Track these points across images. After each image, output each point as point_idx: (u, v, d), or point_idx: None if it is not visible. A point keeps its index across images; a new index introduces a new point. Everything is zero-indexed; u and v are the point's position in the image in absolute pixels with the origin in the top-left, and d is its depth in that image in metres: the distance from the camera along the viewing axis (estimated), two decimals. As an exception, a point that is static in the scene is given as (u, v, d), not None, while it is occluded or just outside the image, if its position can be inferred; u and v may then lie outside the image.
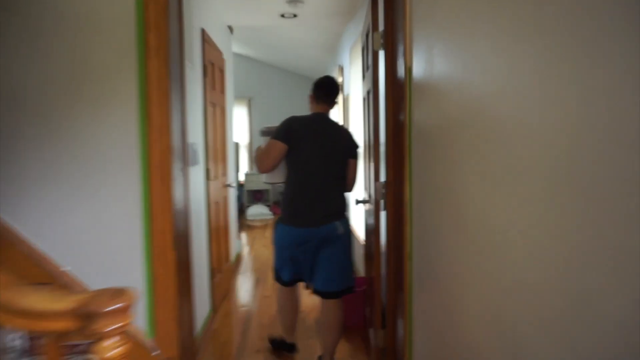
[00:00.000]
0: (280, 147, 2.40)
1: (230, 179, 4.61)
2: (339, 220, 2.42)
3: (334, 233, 2.39)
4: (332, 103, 2.59)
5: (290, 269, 2.50)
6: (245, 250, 5.87)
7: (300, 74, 8.89)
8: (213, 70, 3.63)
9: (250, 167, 9.07)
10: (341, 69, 5.27)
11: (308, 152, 2.39)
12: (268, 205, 8.62)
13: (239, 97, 8.88)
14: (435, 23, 1.35)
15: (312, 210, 2.37)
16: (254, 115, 8.99)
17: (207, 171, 3.37)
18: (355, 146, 2.55)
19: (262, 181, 6.55)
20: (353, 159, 2.54)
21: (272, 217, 7.92)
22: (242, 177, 8.85)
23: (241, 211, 8.28)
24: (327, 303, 2.47)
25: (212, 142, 3.54)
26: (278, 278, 2.60)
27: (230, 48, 4.91)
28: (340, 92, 3.00)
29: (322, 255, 2.40)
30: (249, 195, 8.86)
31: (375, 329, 2.38)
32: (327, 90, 2.57)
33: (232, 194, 4.82)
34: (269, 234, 6.69)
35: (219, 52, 3.93)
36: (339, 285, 2.45)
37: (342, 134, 2.54)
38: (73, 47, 1.92)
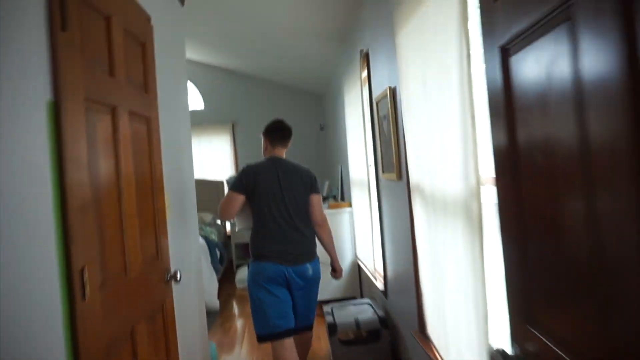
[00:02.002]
0: (238, 198, 2.50)
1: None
2: (310, 261, 2.54)
3: (306, 273, 2.50)
4: (287, 145, 2.86)
5: (288, 308, 2.49)
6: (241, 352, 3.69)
7: (297, 86, 6.90)
8: (108, 30, 1.56)
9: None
10: (366, 57, 3.24)
11: (269, 197, 2.50)
12: (265, 262, 6.45)
13: (219, 123, 6.84)
14: None
15: (282, 250, 2.46)
16: (240, 143, 6.93)
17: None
18: (316, 181, 2.68)
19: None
20: (316, 195, 2.63)
21: (270, 281, 5.76)
22: (228, 227, 6.73)
23: (227, 275, 6.10)
24: (306, 336, 2.66)
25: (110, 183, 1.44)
26: (272, 333, 2.44)
27: (179, 23, 2.87)
28: (291, 134, 2.96)
29: (296, 293, 2.51)
30: (238, 251, 6.70)
31: None
32: (282, 133, 2.88)
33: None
34: (267, 313, 4.57)
35: (135, 9, 1.89)
36: (312, 319, 2.66)
37: (301, 172, 2.67)
38: None
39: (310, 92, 7.00)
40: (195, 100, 6.95)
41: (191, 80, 6.87)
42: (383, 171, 2.94)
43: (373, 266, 3.45)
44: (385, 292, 3.22)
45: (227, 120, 6.87)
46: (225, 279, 5.86)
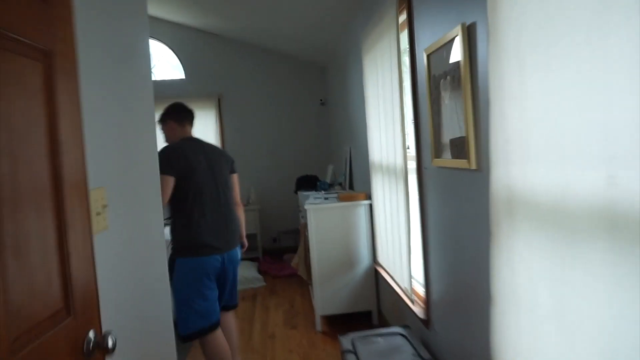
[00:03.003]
0: (170, 180, 2.29)
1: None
2: (239, 245, 2.58)
3: (237, 258, 2.53)
4: (192, 125, 2.65)
5: (215, 301, 2.43)
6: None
7: (295, 55, 5.91)
8: None
9: (226, 200, 6.01)
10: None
11: (203, 181, 2.36)
12: (256, 260, 5.55)
13: (202, 96, 5.84)
14: None
15: (217, 237, 2.37)
16: (227, 120, 5.95)
17: None
18: (233, 161, 2.65)
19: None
20: (235, 174, 2.61)
21: (263, 283, 4.86)
22: (213, 217, 5.78)
23: (213, 274, 5.18)
24: (230, 314, 2.64)
25: None
26: (203, 328, 2.36)
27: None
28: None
29: (227, 276, 2.48)
30: (225, 244, 5.78)
31: None
32: (191, 113, 2.68)
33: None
34: (274, 318, 3.69)
35: None
36: (237, 296, 2.68)
37: (222, 152, 2.62)
38: None
39: (310, 63, 6.02)
40: (172, 69, 5.92)
41: (168, 45, 5.83)
42: (435, 155, 2.04)
43: (406, 282, 2.56)
44: (426, 322, 2.34)
45: (213, 93, 5.87)
46: (210, 280, 4.95)
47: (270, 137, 6.00)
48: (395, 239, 2.74)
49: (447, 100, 1.84)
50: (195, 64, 5.88)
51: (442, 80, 1.88)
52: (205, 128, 5.88)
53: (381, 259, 3.25)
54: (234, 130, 5.94)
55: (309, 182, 5.01)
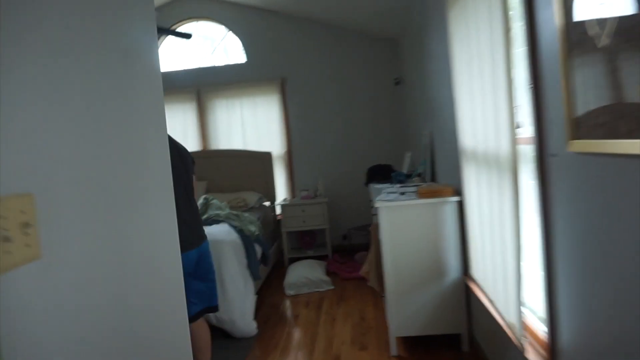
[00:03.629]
0: None
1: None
2: (206, 239, 2.50)
3: (208, 251, 2.47)
4: None
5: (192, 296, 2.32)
6: None
7: (363, 29, 5.23)
8: None
9: (291, 192, 5.52)
10: None
11: (177, 176, 1.96)
12: (324, 260, 5.01)
13: (265, 80, 5.37)
14: None
15: (190, 233, 2.34)
16: (292, 104, 5.43)
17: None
18: (194, 162, 2.54)
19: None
20: (194, 175, 2.53)
21: (331, 287, 4.30)
22: (278, 210, 5.37)
23: (271, 279, 4.73)
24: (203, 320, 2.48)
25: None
26: None
27: None
28: None
29: (202, 273, 2.42)
30: (291, 242, 5.31)
31: None
32: None
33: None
34: (344, 330, 3.14)
35: None
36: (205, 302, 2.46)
37: (184, 150, 2.47)
38: None
39: (381, 37, 5.31)
40: (235, 52, 5.50)
41: (228, 27, 5.40)
42: (572, 135, 1.31)
43: (513, 314, 1.85)
44: (550, 376, 1.63)
45: (276, 76, 5.37)
46: (269, 286, 4.49)
47: (339, 123, 5.40)
48: (497, 251, 2.02)
49: (608, 53, 1.11)
50: (257, 46, 5.41)
51: (593, 25, 1.15)
52: (268, 114, 5.42)
53: (475, 272, 2.54)
54: (299, 116, 5.42)
55: (382, 173, 4.35)
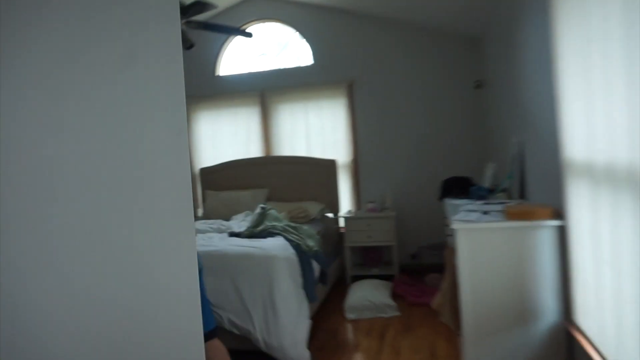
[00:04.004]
0: None
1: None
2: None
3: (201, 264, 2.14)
4: None
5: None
6: None
7: (439, 27, 4.72)
8: None
9: (356, 204, 5.11)
10: None
11: None
12: (389, 280, 4.52)
13: (331, 83, 5.04)
14: None
15: None
16: (360, 109, 5.04)
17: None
18: None
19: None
20: None
21: (397, 313, 3.83)
22: (342, 222, 4.98)
23: (331, 300, 4.32)
24: (215, 343, 2.09)
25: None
26: None
27: None
28: None
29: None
30: (354, 258, 4.89)
31: None
32: None
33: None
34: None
35: None
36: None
37: None
38: None
39: (460, 35, 4.77)
40: (301, 55, 5.23)
41: (295, 27, 5.14)
42: None
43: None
44: None
45: (343, 79, 5.02)
46: (327, 307, 4.10)
47: (411, 130, 4.92)
48: (626, 300, 1.48)
49: None
50: (324, 48, 5.10)
51: None
52: (333, 120, 5.07)
53: (583, 320, 1.98)
54: (367, 122, 5.01)
55: (459, 187, 3.82)
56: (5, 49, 0.57)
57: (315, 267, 3.54)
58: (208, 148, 5.43)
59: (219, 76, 5.38)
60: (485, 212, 2.50)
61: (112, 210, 0.74)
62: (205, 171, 5.33)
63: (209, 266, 3.16)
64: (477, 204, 2.88)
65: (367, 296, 3.89)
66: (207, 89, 5.37)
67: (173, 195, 0.99)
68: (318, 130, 5.11)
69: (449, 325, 2.73)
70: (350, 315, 3.79)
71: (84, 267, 0.68)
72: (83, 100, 0.71)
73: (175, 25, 1.02)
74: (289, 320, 3.00)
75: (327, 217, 4.83)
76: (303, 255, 3.38)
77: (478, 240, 2.31)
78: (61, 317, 0.63)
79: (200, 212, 5.23)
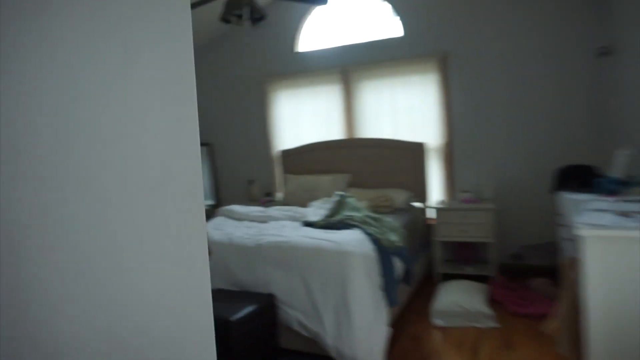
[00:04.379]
0: None
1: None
2: None
3: None
4: None
5: None
6: None
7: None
8: None
9: (449, 193, 4.53)
10: None
11: None
12: (485, 282, 3.92)
13: (421, 56, 4.49)
14: None
15: None
16: (455, 85, 4.42)
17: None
18: None
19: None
20: None
21: (494, 324, 3.26)
22: (432, 212, 4.47)
23: (416, 301, 3.84)
24: None
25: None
26: None
27: None
28: None
29: None
30: (446, 254, 4.35)
31: None
32: None
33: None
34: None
35: None
36: None
37: None
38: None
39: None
40: (389, 25, 4.71)
41: (384, -7, 4.62)
42: None
43: None
44: None
45: (436, 51, 4.42)
46: (411, 308, 3.64)
47: (516, 108, 4.20)
48: None
49: None
50: (415, 16, 4.52)
51: None
52: (423, 97, 4.51)
53: None
54: (464, 100, 4.38)
55: (578, 177, 3.11)
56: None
57: (398, 265, 3.10)
58: (288, 129, 5.16)
59: (298, 52, 5.06)
60: (624, 214, 1.88)
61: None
62: (286, 154, 5.08)
63: (278, 258, 2.87)
64: (608, 202, 2.23)
65: (459, 300, 3.36)
66: (286, 66, 5.08)
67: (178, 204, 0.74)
68: (406, 110, 4.58)
69: (565, 355, 2.15)
70: (437, 321, 3.31)
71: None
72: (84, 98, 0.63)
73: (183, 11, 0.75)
74: (364, 326, 2.62)
75: (414, 206, 4.33)
76: (383, 251, 2.96)
77: (615, 252, 1.72)
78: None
79: (279, 197, 5.01)
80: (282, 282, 2.82)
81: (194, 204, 0.82)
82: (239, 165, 5.55)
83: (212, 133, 5.71)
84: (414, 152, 4.44)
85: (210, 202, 5.66)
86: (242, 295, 2.80)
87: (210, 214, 4.39)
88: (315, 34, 5.03)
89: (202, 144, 6.04)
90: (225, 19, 3.27)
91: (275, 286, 2.83)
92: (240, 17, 3.32)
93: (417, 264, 3.80)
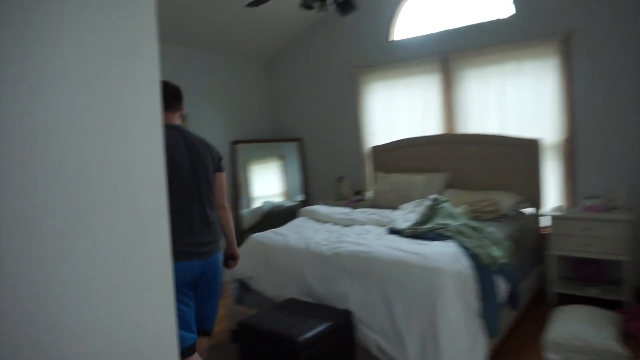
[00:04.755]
0: None
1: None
2: (220, 250, 2.19)
3: (218, 266, 2.15)
4: (177, 109, 2.19)
5: (192, 320, 2.01)
6: None
7: None
8: None
9: (569, 199, 3.81)
10: None
11: (181, 175, 2.02)
12: (616, 310, 3.19)
13: (540, 37, 3.84)
14: None
15: (196, 240, 2.04)
16: (580, 72, 3.68)
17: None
18: (220, 157, 2.25)
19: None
20: (223, 173, 2.26)
21: (627, 365, 2.61)
22: (547, 220, 3.81)
23: (532, 313, 3.24)
24: (201, 342, 2.12)
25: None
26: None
27: None
28: (180, 94, 2.18)
29: (204, 290, 2.10)
30: (561, 269, 3.65)
31: None
32: (164, 95, 1.41)
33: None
34: None
35: None
36: (202, 324, 2.14)
37: (208, 145, 2.20)
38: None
39: None
40: (498, 3, 4.09)
41: (492, -34, 4.01)
42: None
43: None
44: None
45: (555, 31, 3.72)
46: (517, 334, 3.06)
47: (665, 95, 3.36)
48: None
49: None
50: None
51: None
52: (538, 86, 3.83)
53: None
54: (591, 88, 3.63)
55: None
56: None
57: (501, 286, 2.59)
58: (381, 123, 4.78)
59: (393, 41, 4.64)
60: None
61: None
62: (377, 150, 4.71)
63: (356, 270, 2.54)
64: None
65: (581, 332, 2.74)
66: (380, 56, 4.70)
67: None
68: (517, 101, 3.94)
69: None
70: (551, 357, 2.72)
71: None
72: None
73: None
74: (456, 359, 2.18)
75: (523, 213, 3.71)
76: (483, 269, 2.48)
77: None
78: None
79: (369, 196, 4.66)
80: (361, 297, 2.49)
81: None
82: (329, 161, 5.31)
83: (302, 128, 5.54)
84: (526, 149, 3.80)
85: (299, 198, 5.51)
86: (315, 309, 2.52)
87: (296, 212, 4.20)
88: (412, 20, 4.57)
89: (292, 139, 5.95)
90: (306, 5, 3.00)
91: (352, 301, 2.51)
92: (323, 2, 3.04)
93: (525, 281, 3.21)
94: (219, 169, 2.22)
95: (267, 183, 5.47)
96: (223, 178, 2.24)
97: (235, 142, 5.25)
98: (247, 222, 5.24)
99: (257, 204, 5.35)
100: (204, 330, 2.15)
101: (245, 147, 5.31)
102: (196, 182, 2.06)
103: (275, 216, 5.19)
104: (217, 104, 5.14)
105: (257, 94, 5.65)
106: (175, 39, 4.58)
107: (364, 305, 2.47)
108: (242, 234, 5.07)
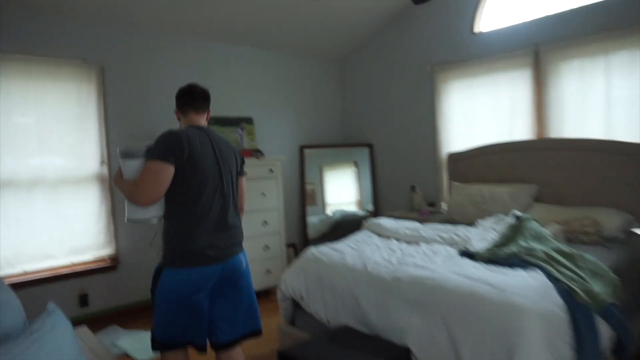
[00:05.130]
0: (169, 170, 1.87)
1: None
2: (242, 251, 2.14)
3: (240, 267, 2.08)
4: (204, 111, 2.16)
5: (190, 324, 1.96)
6: None
7: None
8: None
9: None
10: None
11: (206, 175, 1.97)
12: None
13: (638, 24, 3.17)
14: None
15: (216, 243, 1.98)
16: None
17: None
18: (244, 161, 2.24)
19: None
20: (243, 177, 2.23)
21: None
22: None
23: None
24: (234, 354, 2.08)
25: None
26: (164, 344, 1.96)
27: None
28: (208, 97, 2.18)
29: (224, 296, 2.03)
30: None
31: None
32: (191, 97, 2.13)
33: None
34: None
35: None
36: (244, 327, 2.09)
37: (232, 148, 2.17)
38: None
39: None
40: (605, -17, 3.44)
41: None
42: None
43: None
44: None
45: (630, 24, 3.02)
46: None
47: None
48: None
49: None
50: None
51: None
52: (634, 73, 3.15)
53: None
54: None
55: None
56: None
57: (604, 331, 2.06)
58: (459, 127, 4.30)
59: (477, 34, 4.14)
60: None
61: None
62: (454, 157, 4.24)
63: (418, 300, 2.17)
64: None
65: None
66: (461, 52, 4.22)
67: None
68: (627, 100, 3.28)
69: None
70: None
71: None
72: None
73: None
74: None
75: (635, 236, 3.05)
76: (580, 309, 1.98)
77: None
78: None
79: (444, 207, 4.20)
80: (422, 332, 2.10)
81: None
82: (401, 169, 4.91)
83: (372, 133, 5.21)
84: (637, 157, 3.14)
85: (368, 207, 5.17)
86: (368, 343, 2.18)
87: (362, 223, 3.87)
88: (499, 10, 4.05)
89: (362, 145, 5.59)
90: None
91: (412, 337, 2.13)
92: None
93: (636, 324, 2.59)
94: (241, 172, 2.19)
95: (339, 191, 5.21)
96: (243, 182, 2.22)
97: (304, 147, 5.04)
98: (314, 232, 5.00)
99: (328, 212, 5.11)
100: (255, 331, 2.13)
101: (314, 152, 5.09)
102: (221, 182, 2.01)
103: (346, 226, 4.90)
104: (285, 106, 4.97)
105: (327, 95, 5.41)
106: (244, 41, 4.47)
107: (424, 342, 2.08)
108: (307, 244, 4.84)
